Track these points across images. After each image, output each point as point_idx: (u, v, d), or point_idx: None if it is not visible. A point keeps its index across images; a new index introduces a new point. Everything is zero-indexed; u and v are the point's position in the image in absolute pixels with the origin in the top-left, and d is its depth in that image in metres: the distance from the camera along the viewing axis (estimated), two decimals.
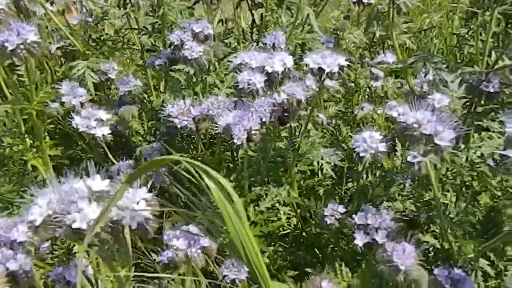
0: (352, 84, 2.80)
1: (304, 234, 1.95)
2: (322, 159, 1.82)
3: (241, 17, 2.49)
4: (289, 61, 1.38)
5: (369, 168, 1.48)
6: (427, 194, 1.39)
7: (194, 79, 1.67)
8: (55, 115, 1.91)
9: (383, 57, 2.04)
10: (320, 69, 1.37)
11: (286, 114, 1.33)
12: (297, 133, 1.88)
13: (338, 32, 2.10)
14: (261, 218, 1.53)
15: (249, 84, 1.37)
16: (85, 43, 2.23)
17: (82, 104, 1.92)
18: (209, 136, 1.96)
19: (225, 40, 2.16)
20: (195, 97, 1.62)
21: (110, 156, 1.91)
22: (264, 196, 1.59)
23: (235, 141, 1.31)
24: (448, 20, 3.99)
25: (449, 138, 0.96)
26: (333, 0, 3.34)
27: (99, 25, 2.49)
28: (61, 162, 2.13)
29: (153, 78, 2.46)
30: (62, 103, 1.92)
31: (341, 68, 1.38)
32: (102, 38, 2.31)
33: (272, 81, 1.40)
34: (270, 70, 1.36)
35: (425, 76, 1.54)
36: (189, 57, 1.52)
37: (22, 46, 1.25)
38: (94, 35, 2.20)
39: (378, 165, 1.25)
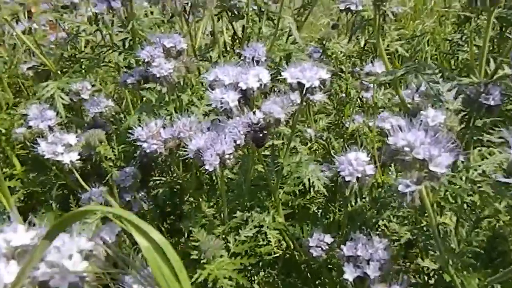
0: (343, 95, 2.69)
1: (295, 257, 1.80)
2: (311, 177, 1.69)
3: (224, 29, 2.38)
4: (265, 76, 1.25)
5: (359, 191, 1.34)
6: (424, 219, 1.25)
7: (167, 98, 1.53)
8: (21, 140, 1.77)
9: (371, 68, 1.91)
10: (300, 84, 1.24)
11: (261, 135, 1.19)
12: (282, 152, 1.75)
13: (324, 42, 1.98)
14: (243, 248, 1.39)
15: (222, 103, 1.23)
16: (58, 62, 2.11)
17: (50, 128, 1.79)
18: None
19: (207, 54, 2.04)
20: (168, 117, 1.48)
21: (82, 182, 1.77)
22: (246, 224, 1.44)
23: (206, 167, 1.17)
24: (441, 25, 3.89)
25: (446, 164, 0.82)
26: (324, 8, 3.24)
27: (73, 43, 2.37)
28: (33, 190, 1.99)
29: (134, 97, 2.33)
30: (29, 127, 1.78)
31: (322, 82, 1.25)
32: (76, 56, 2.19)
33: (248, 98, 1.27)
34: (244, 87, 1.23)
35: (417, 90, 1.41)
36: (158, 75, 1.39)
37: None
38: (66, 54, 2.07)
39: (368, 185, 1.11)
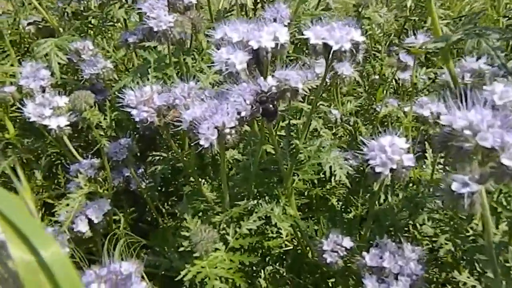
0: (377, 77, 2.40)
1: (308, 254, 1.57)
2: (332, 164, 1.45)
3: None
4: (283, 34, 1.00)
5: (390, 186, 1.08)
6: (472, 226, 0.99)
7: (168, 60, 1.30)
8: (8, 101, 1.59)
9: (414, 40, 1.61)
10: (326, 47, 0.99)
11: (272, 106, 0.95)
12: (300, 133, 1.51)
13: (360, 9, 1.69)
14: (243, 243, 1.16)
15: (227, 65, 0.99)
16: (61, 18, 1.91)
17: (43, 89, 1.60)
18: None
19: (224, 18, 1.79)
20: (168, 82, 1.26)
21: (74, 151, 1.58)
22: (251, 214, 1.21)
23: (201, 142, 0.94)
24: (492, 7, 3.49)
25: None
26: None
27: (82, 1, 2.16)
28: (26, 158, 1.82)
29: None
30: (19, 86, 1.60)
31: (355, 45, 0.98)
32: (83, 13, 1.98)
33: (260, 61, 1.02)
34: (255, 46, 0.98)
35: (477, 60, 1.13)
36: (156, 28, 1.16)
37: None
38: (69, 9, 1.87)
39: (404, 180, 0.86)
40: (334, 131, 2.15)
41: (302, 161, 1.29)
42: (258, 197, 1.33)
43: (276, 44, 1.00)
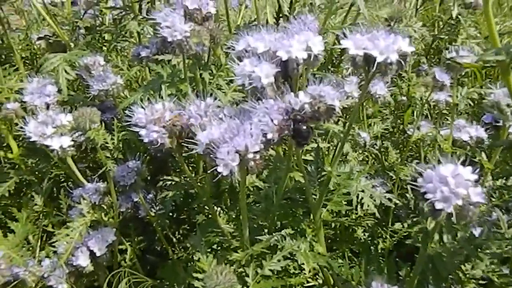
0: (404, 98, 2.24)
1: None
2: (362, 192, 1.29)
3: (267, 6, 2.00)
4: (317, 43, 0.86)
5: (447, 225, 0.90)
6: None
7: (182, 75, 1.17)
8: (11, 118, 1.47)
9: (456, 55, 1.45)
10: (368, 58, 0.84)
11: (305, 127, 0.80)
12: (327, 158, 1.35)
13: (392, 23, 1.55)
14: (265, 286, 0.99)
15: (251, 79, 0.85)
16: (72, 33, 1.82)
17: (48, 106, 1.48)
18: None
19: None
20: (181, 99, 1.12)
21: (78, 174, 1.44)
22: (273, 252, 1.05)
23: (219, 169, 0.79)
24: None
25: None
26: None
27: (98, 14, 2.08)
28: (29, 179, 1.68)
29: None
30: (23, 103, 1.49)
31: (402, 57, 0.83)
32: (96, 28, 1.89)
33: (289, 74, 0.88)
34: (285, 57, 0.84)
35: None
36: (170, 39, 1.03)
37: None
38: (81, 24, 1.77)
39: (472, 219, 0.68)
40: (360, 155, 1.99)
41: (332, 191, 1.13)
42: (280, 229, 1.17)
43: (309, 55, 0.85)
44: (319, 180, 1.13)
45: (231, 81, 1.40)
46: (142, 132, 0.97)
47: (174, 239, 1.73)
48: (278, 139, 0.82)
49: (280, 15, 1.76)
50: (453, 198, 0.68)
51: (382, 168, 2.05)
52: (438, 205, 0.69)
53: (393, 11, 1.51)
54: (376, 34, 0.85)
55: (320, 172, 1.14)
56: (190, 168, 1.64)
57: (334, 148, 1.52)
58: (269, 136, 0.81)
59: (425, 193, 0.72)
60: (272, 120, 0.81)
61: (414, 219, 0.94)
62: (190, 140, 0.96)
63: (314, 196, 1.08)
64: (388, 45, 0.81)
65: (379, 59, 0.81)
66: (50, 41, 1.82)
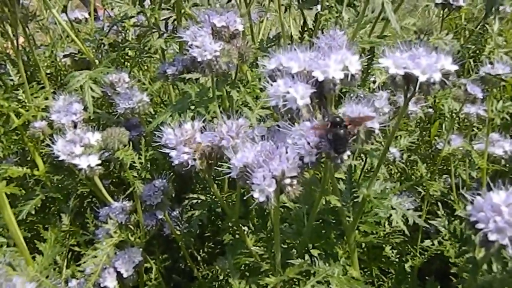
0: (430, 110, 2.18)
1: None
2: (393, 209, 1.24)
3: (291, 21, 1.98)
4: (354, 63, 0.83)
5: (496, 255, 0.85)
6: None
7: (211, 93, 1.15)
8: (39, 136, 1.48)
9: (490, 69, 1.40)
10: (409, 77, 0.80)
11: (344, 132, 0.77)
12: (357, 175, 1.31)
13: (421, 36, 1.50)
14: None
15: (285, 101, 0.82)
16: (97, 50, 1.83)
17: (75, 124, 1.48)
18: None
19: (269, 48, 1.65)
20: (210, 118, 1.10)
21: (105, 193, 1.43)
22: (306, 276, 1.01)
23: (255, 195, 0.76)
24: None
25: None
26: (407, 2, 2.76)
27: (120, 30, 2.10)
28: (55, 198, 1.69)
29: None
30: (50, 121, 1.49)
31: (445, 75, 0.79)
32: (120, 44, 1.90)
33: (324, 95, 0.85)
34: (321, 78, 0.81)
35: None
36: (200, 58, 1.01)
37: None
38: (106, 41, 1.78)
39: None
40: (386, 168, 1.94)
41: (366, 213, 1.09)
42: (312, 252, 1.13)
43: (346, 75, 0.82)
44: (352, 200, 1.09)
45: (257, 97, 1.38)
46: (172, 153, 0.95)
47: (199, 257, 1.71)
48: (315, 162, 0.78)
49: (305, 28, 1.74)
50: (508, 229, 0.64)
51: (410, 183, 1.99)
52: (492, 237, 0.64)
53: (423, 24, 1.47)
54: (417, 52, 0.82)
55: (353, 193, 1.10)
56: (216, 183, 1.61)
57: (362, 163, 1.47)
58: (306, 160, 0.78)
59: (475, 222, 0.67)
60: (309, 143, 0.78)
61: (462, 248, 0.89)
62: (221, 161, 0.95)
63: (348, 218, 1.04)
64: (430, 64, 0.78)
65: (422, 78, 0.77)
66: (75, 58, 1.84)
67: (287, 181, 0.76)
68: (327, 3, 1.60)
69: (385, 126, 0.91)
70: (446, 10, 2.14)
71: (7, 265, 1.11)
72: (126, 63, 1.97)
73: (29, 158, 1.89)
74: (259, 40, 1.77)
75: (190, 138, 0.97)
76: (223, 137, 0.92)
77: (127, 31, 2.16)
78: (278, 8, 1.65)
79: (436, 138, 2.10)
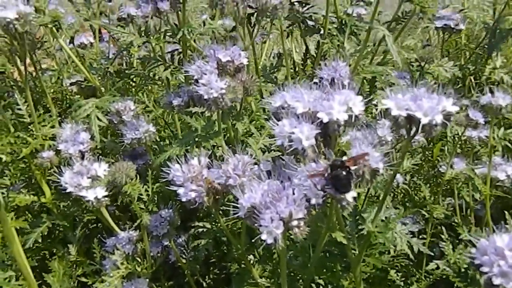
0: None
1: None
2: (399, 239, 1.25)
3: (293, 47, 2.02)
4: (358, 104, 0.85)
5: None
6: None
7: (216, 127, 1.17)
8: (46, 166, 1.50)
9: (490, 98, 1.42)
10: (411, 119, 0.82)
11: (344, 173, 0.78)
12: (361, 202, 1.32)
13: (422, 63, 1.53)
14: None
15: (291, 141, 0.84)
16: (103, 78, 1.86)
17: (82, 154, 1.50)
18: None
19: (271, 75, 1.68)
20: (216, 151, 1.12)
21: (112, 223, 1.44)
22: None
23: (263, 237, 0.78)
24: None
25: None
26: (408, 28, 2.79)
27: (125, 57, 2.13)
28: (61, 225, 1.70)
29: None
30: (58, 151, 1.51)
31: (446, 117, 0.82)
32: (125, 71, 1.93)
33: (329, 135, 0.87)
34: (326, 119, 0.83)
35: None
36: (206, 96, 1.03)
37: None
38: (111, 69, 1.81)
39: None
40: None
41: (372, 245, 1.10)
42: (317, 283, 1.14)
43: (350, 116, 0.84)
44: (357, 232, 1.11)
45: (262, 127, 1.40)
46: (180, 191, 0.96)
47: (204, 284, 1.71)
48: (322, 204, 0.80)
49: (308, 55, 1.77)
50: None
51: (413, 205, 2.00)
52: (496, 281, 0.66)
53: (424, 52, 1.50)
54: (418, 93, 0.84)
55: (358, 225, 1.11)
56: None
57: (371, 195, 1.49)
58: (313, 201, 0.79)
59: (479, 265, 0.69)
60: (315, 185, 0.80)
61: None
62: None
63: (354, 251, 1.05)
64: (432, 107, 0.80)
65: (424, 121, 0.79)
66: (82, 85, 1.87)
67: (295, 223, 0.78)
68: (329, 31, 1.63)
69: (390, 164, 0.93)
70: (446, 33, 2.18)
71: None
72: (131, 88, 2.00)
73: (32, 182, 1.91)
74: (261, 67, 1.79)
75: (197, 175, 0.99)
76: (230, 175, 0.93)
77: (132, 56, 2.19)
78: (281, 35, 1.68)
79: (438, 158, 2.12)
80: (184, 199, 0.96)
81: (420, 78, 1.55)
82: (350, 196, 0.80)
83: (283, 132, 0.86)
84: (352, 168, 0.79)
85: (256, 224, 0.78)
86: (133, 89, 2.07)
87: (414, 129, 0.84)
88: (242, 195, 0.85)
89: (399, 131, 0.92)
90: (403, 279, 1.83)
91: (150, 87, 2.38)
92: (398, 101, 0.83)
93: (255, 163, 0.99)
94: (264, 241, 0.77)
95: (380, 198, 1.65)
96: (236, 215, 0.85)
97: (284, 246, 0.80)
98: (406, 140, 0.88)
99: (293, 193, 0.81)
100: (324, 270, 1.11)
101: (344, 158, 0.83)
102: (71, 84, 1.91)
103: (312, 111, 0.87)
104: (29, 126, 1.67)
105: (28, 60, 1.68)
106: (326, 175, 0.78)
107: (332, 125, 0.84)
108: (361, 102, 0.86)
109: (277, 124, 0.88)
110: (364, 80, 1.62)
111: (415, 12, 1.47)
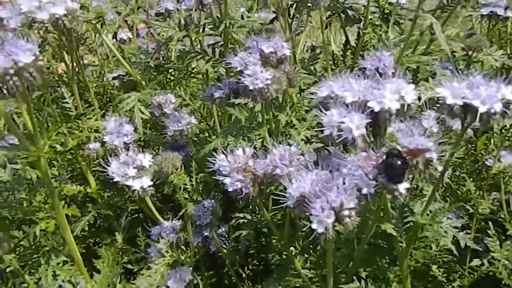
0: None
1: None
2: (445, 232, 1.21)
3: (331, 38, 1.99)
4: (410, 92, 0.83)
5: None
6: None
7: (260, 118, 1.18)
8: (92, 158, 1.55)
9: None
10: (467, 108, 0.79)
11: (400, 163, 0.77)
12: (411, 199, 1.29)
13: (470, 52, 1.48)
14: None
15: (340, 131, 0.83)
16: (144, 72, 1.90)
17: (126, 145, 1.55)
18: None
19: (310, 67, 1.67)
20: (260, 142, 1.12)
21: (156, 213, 1.48)
22: None
23: (313, 226, 0.78)
24: None
25: None
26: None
27: (164, 51, 2.17)
28: (105, 214, 1.76)
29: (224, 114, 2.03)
30: (103, 143, 1.56)
31: (506, 105, 0.78)
32: (164, 65, 1.96)
33: (379, 125, 0.85)
34: (377, 108, 0.82)
35: None
36: (251, 87, 1.04)
37: (11, 71, 0.86)
38: (152, 63, 1.85)
39: None
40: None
41: (420, 238, 1.07)
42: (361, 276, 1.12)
43: (402, 105, 0.82)
44: (404, 226, 1.08)
45: (303, 119, 1.39)
46: (227, 181, 0.97)
47: (244, 274, 1.73)
48: (374, 194, 0.79)
49: (348, 46, 1.74)
50: None
51: (456, 200, 1.94)
52: None
53: (472, 41, 1.44)
54: (474, 81, 0.81)
55: (405, 217, 1.09)
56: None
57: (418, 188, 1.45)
58: (364, 191, 0.78)
59: None
60: (366, 174, 0.79)
61: None
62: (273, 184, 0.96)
63: (401, 244, 1.03)
64: (490, 94, 0.77)
65: (482, 109, 0.77)
66: (123, 80, 1.92)
67: (346, 212, 0.77)
68: (370, 21, 1.60)
69: (442, 156, 0.90)
70: (492, 21, 2.09)
71: (68, 282, 1.17)
72: (169, 82, 2.03)
73: (75, 174, 1.98)
74: (299, 59, 1.77)
75: (243, 165, 0.99)
76: (277, 165, 0.93)
77: (170, 50, 2.23)
78: (321, 25, 1.66)
79: (482, 152, 2.04)
80: (230, 189, 0.97)
81: (467, 67, 1.49)
82: (402, 187, 0.79)
83: (331, 121, 0.85)
84: (408, 159, 0.77)
85: (306, 213, 0.78)
86: (171, 83, 2.10)
87: (469, 118, 0.81)
88: (290, 184, 0.85)
89: (448, 122, 0.89)
90: (445, 275, 1.78)
91: (186, 81, 2.41)
92: (453, 89, 0.80)
93: (301, 154, 0.99)
94: (310, 231, 0.77)
95: (422, 192, 1.61)
96: (284, 204, 0.85)
97: (334, 236, 0.80)
98: (461, 130, 0.85)
99: (343, 183, 0.80)
100: (370, 264, 1.09)
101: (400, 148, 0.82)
102: (114, 78, 1.96)
103: (361, 100, 0.86)
104: (75, 119, 1.73)
105: None
106: (378, 164, 0.77)
107: (384, 114, 0.83)
108: (414, 91, 0.84)
109: (325, 114, 0.87)
110: (407, 71, 1.58)
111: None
